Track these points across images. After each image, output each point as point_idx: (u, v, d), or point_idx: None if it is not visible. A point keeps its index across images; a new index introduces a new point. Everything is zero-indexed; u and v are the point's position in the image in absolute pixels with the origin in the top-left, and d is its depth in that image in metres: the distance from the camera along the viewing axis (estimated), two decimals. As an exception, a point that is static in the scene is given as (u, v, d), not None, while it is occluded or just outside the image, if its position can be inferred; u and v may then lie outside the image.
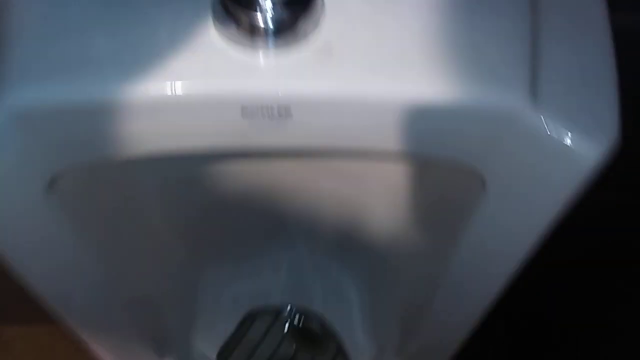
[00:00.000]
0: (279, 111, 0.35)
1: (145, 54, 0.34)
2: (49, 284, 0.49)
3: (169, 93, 0.34)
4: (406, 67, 0.34)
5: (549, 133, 0.34)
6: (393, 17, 0.36)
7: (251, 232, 0.72)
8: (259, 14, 0.33)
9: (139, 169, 0.51)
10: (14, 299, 1.04)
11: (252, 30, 0.34)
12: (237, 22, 0.34)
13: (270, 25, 0.34)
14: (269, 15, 0.33)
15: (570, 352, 0.86)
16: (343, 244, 0.74)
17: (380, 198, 0.60)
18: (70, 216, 0.43)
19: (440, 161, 0.40)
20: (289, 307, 0.79)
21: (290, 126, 0.36)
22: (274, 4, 0.33)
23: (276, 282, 0.79)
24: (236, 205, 0.63)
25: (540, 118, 0.34)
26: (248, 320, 0.78)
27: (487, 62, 0.35)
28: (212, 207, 0.63)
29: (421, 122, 0.36)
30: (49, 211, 0.41)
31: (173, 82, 0.34)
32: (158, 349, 0.66)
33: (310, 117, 0.36)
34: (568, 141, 0.34)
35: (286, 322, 0.78)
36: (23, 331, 1.11)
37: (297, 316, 0.78)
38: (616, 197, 0.71)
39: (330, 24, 0.35)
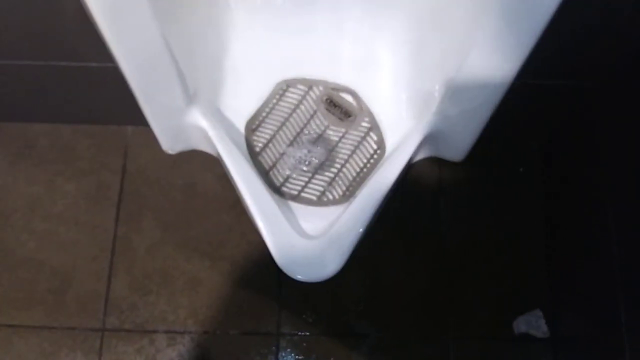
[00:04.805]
0: None
1: None
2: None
3: None
4: None
5: None
6: None
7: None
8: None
9: None
10: (40, 100, 1.02)
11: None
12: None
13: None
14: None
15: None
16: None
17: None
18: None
19: None
20: (322, 81, 0.75)
21: None
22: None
23: (310, 53, 0.75)
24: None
25: None
26: (279, 91, 0.75)
27: None
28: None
29: None
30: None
31: None
32: (186, 97, 0.63)
33: None
34: None
35: (319, 95, 0.74)
36: (47, 128, 1.10)
37: (330, 90, 0.74)
38: None
39: None
